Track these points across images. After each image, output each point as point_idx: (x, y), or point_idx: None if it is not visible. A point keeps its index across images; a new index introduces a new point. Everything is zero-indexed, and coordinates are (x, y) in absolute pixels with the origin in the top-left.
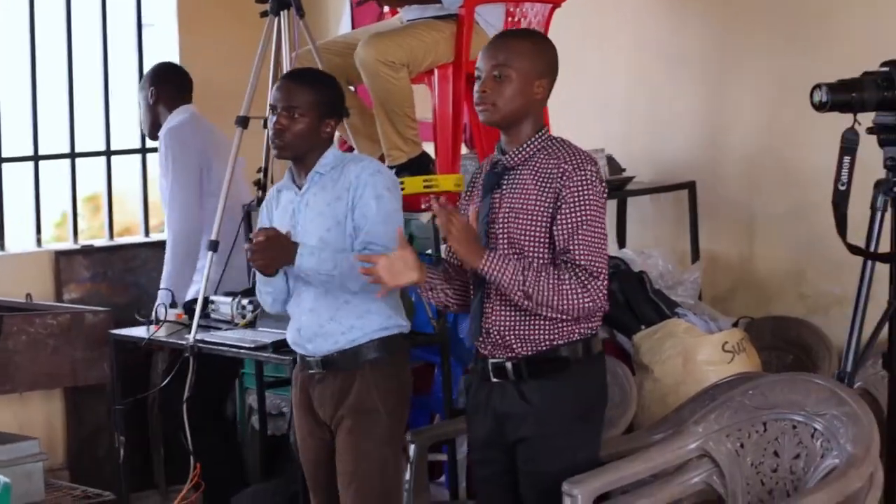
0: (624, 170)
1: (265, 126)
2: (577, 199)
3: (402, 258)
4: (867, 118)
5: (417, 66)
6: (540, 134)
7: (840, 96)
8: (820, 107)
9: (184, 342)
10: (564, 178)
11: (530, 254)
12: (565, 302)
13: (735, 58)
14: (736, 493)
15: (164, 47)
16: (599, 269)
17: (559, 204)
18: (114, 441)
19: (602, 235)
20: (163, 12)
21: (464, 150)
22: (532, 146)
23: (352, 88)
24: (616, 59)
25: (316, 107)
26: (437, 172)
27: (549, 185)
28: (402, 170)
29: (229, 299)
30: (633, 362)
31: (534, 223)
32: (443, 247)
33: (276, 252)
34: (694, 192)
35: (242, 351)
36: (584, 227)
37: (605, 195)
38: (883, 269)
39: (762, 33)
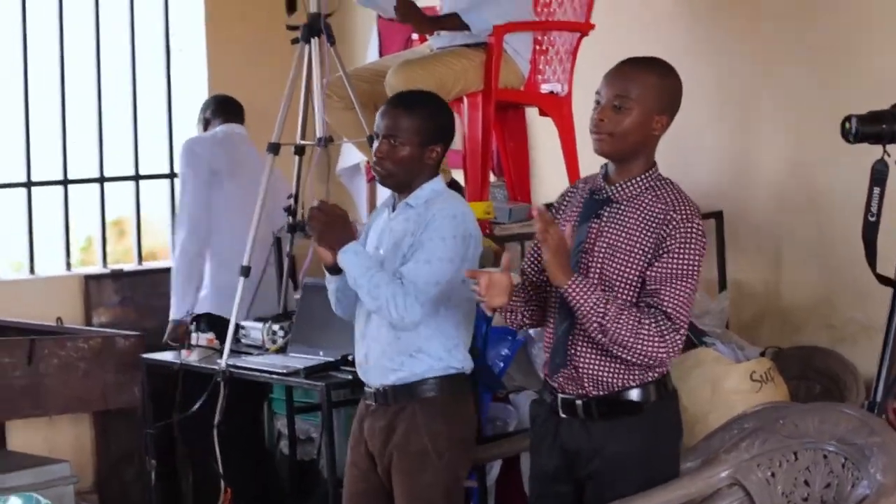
0: None
1: (296, 152)
2: (679, 251)
3: (500, 281)
4: None
5: (447, 93)
6: (650, 172)
7: (870, 128)
8: (850, 138)
9: (215, 367)
10: (671, 226)
11: (619, 293)
12: (640, 346)
13: (762, 88)
14: None
15: (193, 72)
16: (682, 322)
17: (660, 251)
18: (143, 464)
19: (693, 290)
20: (192, 37)
21: (492, 177)
22: (641, 184)
23: None
24: None
25: (419, 133)
26: (466, 200)
27: (653, 229)
28: None
29: (260, 325)
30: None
31: (630, 264)
32: (523, 263)
33: (331, 227)
34: (721, 222)
35: (274, 376)
36: (681, 278)
37: (705, 249)
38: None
39: (789, 64)
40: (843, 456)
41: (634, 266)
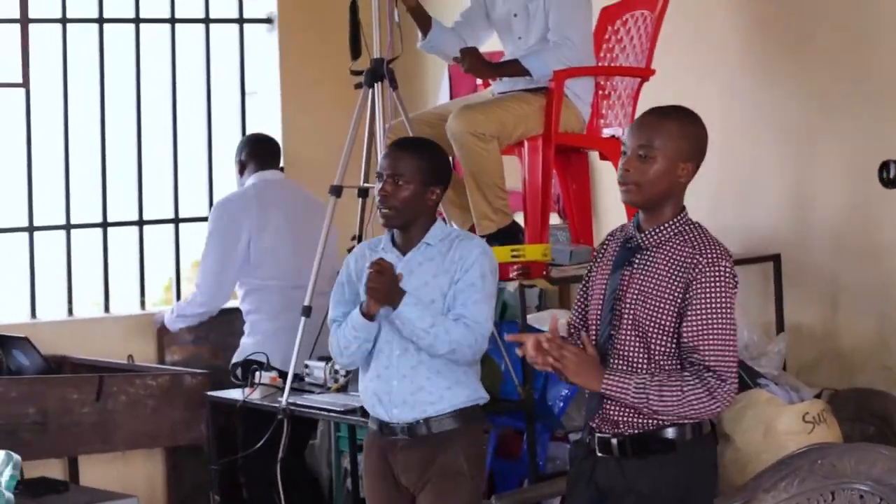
0: None
1: (359, 195)
2: (707, 295)
3: (588, 360)
4: None
5: (507, 137)
6: (679, 218)
7: None
8: (888, 183)
9: (276, 405)
10: (697, 270)
11: (652, 339)
12: (692, 411)
13: (820, 131)
14: None
15: (267, 115)
16: (729, 372)
17: (689, 296)
18: (210, 501)
19: (732, 333)
20: (266, 81)
21: (557, 220)
22: (669, 230)
23: None
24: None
25: (420, 174)
26: (525, 242)
27: (680, 273)
28: (492, 239)
29: (323, 364)
30: (716, 432)
31: (661, 310)
32: (571, 317)
33: (388, 285)
34: (779, 264)
35: (333, 414)
36: (715, 326)
37: (735, 290)
38: None
39: (847, 107)
40: (879, 496)
41: (666, 311)
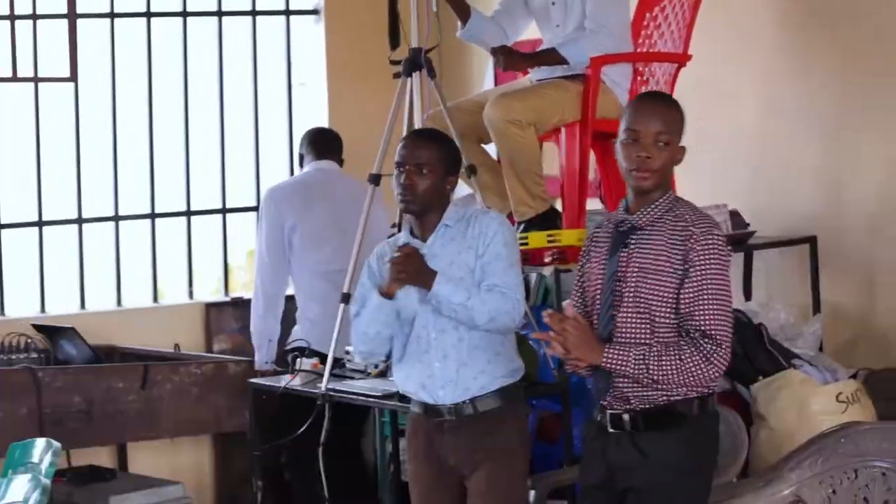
0: (748, 224)
1: None
2: (704, 264)
3: (591, 332)
4: None
5: (544, 124)
6: (668, 195)
7: None
8: None
9: (317, 391)
10: (692, 240)
11: (656, 313)
12: (691, 378)
13: (855, 114)
14: None
15: (315, 106)
16: (723, 337)
17: (687, 266)
18: (253, 487)
19: (727, 300)
20: (314, 72)
21: (598, 205)
22: (661, 207)
23: (483, 146)
24: (741, 115)
25: (441, 163)
26: (563, 227)
27: (678, 245)
28: (531, 225)
29: None
30: (751, 412)
31: (663, 284)
32: (572, 298)
33: (416, 268)
34: (815, 246)
35: (371, 399)
36: (710, 292)
37: (729, 259)
38: None
39: (883, 90)
40: None
41: (667, 284)
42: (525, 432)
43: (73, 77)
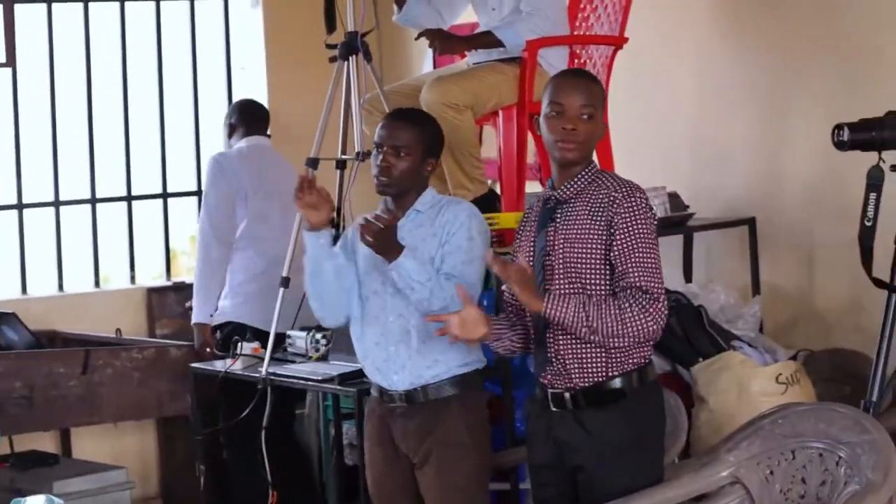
0: (687, 206)
1: (337, 167)
2: (629, 224)
3: (470, 315)
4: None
5: (482, 107)
6: (590, 168)
7: (861, 135)
8: (840, 146)
9: (257, 375)
10: (615, 205)
11: (587, 281)
12: (629, 329)
13: (792, 96)
14: None
15: (254, 90)
16: (658, 291)
17: (612, 230)
18: (196, 471)
19: (656, 257)
20: (254, 56)
21: (539, 188)
22: (583, 179)
23: None
24: (678, 98)
25: (420, 146)
26: (502, 210)
27: (600, 213)
28: None
29: (304, 334)
30: (692, 394)
31: (589, 251)
32: (504, 288)
33: (389, 236)
34: (754, 228)
35: (311, 383)
36: (640, 249)
37: (655, 220)
38: None
39: (817, 71)
40: (838, 454)
41: (594, 252)
42: (480, 424)
43: (11, 62)
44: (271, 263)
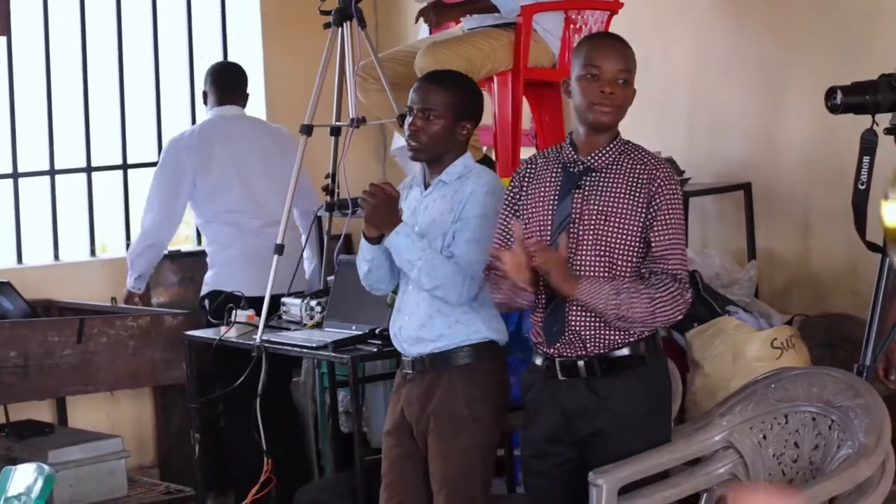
0: (683, 171)
1: (331, 133)
2: (671, 207)
3: (520, 257)
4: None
5: (476, 73)
6: (619, 138)
7: (854, 98)
8: (833, 109)
9: (252, 342)
10: (656, 183)
11: (617, 256)
12: (659, 318)
13: (789, 59)
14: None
15: (250, 58)
16: (687, 279)
17: (652, 210)
18: (191, 440)
19: (685, 242)
20: (250, 24)
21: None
22: (615, 149)
23: None
24: (674, 64)
25: (451, 108)
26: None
27: (640, 189)
28: None
29: (299, 301)
30: (687, 359)
31: (628, 227)
32: (490, 252)
33: (384, 209)
34: (750, 193)
35: (305, 350)
36: (676, 235)
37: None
38: None
39: (811, 36)
40: (830, 418)
41: (632, 228)
42: (483, 398)
43: (6, 31)
44: (240, 231)
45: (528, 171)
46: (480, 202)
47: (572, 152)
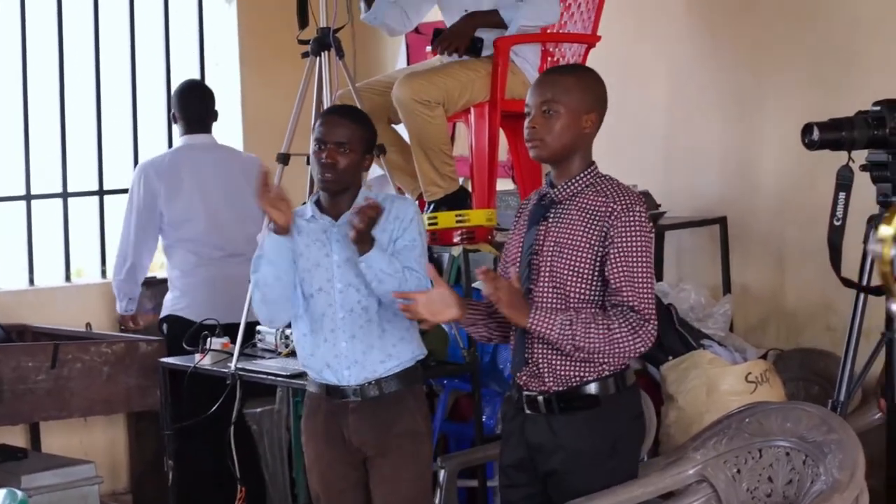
0: (659, 205)
1: (308, 163)
2: (626, 240)
3: (440, 295)
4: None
5: (453, 104)
6: (589, 170)
7: (830, 135)
8: (810, 145)
9: (226, 370)
10: (613, 217)
11: (571, 289)
12: (617, 349)
13: (765, 96)
14: None
15: (228, 86)
16: (649, 311)
17: (607, 244)
18: (164, 467)
19: (651, 276)
20: (227, 52)
21: (511, 185)
22: (581, 182)
23: (394, 126)
24: (651, 97)
25: (361, 142)
26: (473, 207)
27: (596, 222)
28: (440, 205)
29: (274, 329)
30: (661, 393)
31: (578, 259)
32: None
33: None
34: (725, 227)
35: (279, 378)
36: (635, 268)
37: (652, 235)
38: (876, 302)
39: (792, 71)
40: (804, 453)
41: (583, 260)
42: (427, 415)
43: None
44: (203, 260)
45: (523, 205)
46: (416, 222)
47: (548, 186)
